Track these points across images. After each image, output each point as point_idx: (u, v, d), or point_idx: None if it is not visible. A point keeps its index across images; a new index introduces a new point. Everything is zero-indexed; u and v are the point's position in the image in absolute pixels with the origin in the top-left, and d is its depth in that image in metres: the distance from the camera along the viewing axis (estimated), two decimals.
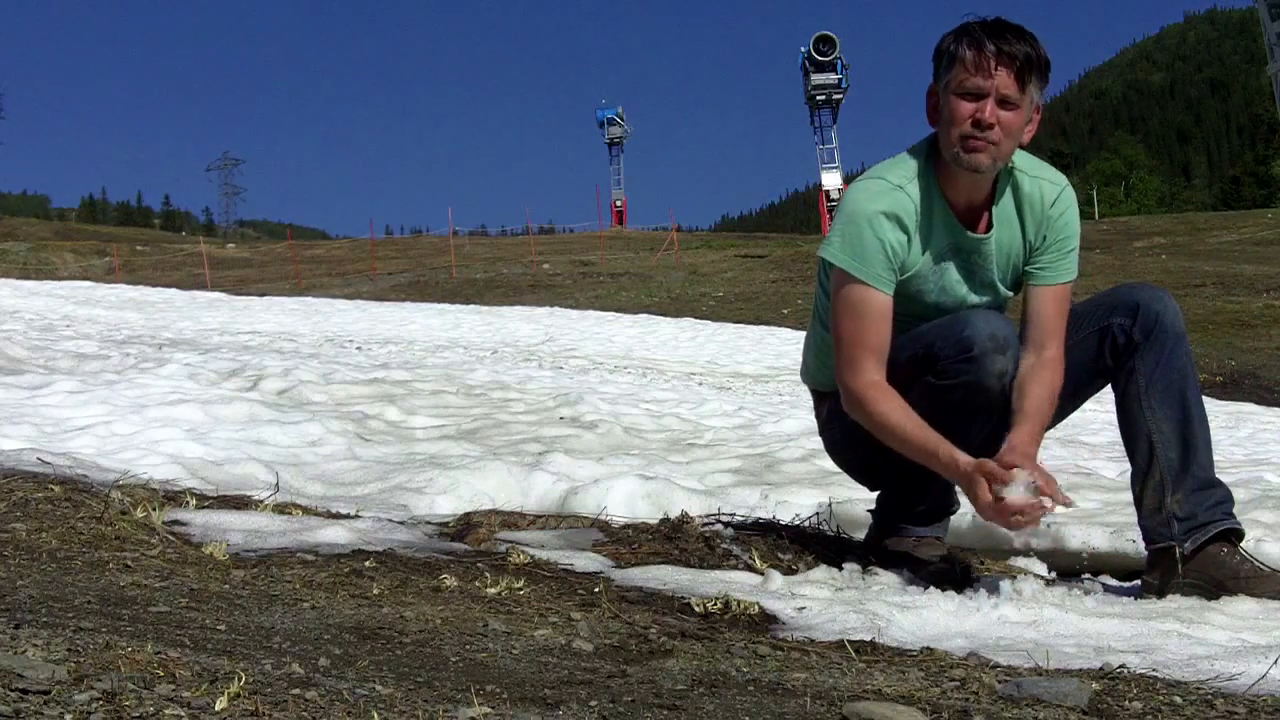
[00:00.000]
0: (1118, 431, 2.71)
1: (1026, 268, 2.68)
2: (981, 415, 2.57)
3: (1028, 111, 2.54)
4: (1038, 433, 2.53)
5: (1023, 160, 2.65)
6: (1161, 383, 2.60)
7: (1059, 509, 2.47)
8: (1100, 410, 2.71)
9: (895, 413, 2.54)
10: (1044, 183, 2.67)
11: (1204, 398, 2.71)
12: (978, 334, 2.49)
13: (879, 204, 2.57)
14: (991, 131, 2.49)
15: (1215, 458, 2.69)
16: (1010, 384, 2.54)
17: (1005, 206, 2.65)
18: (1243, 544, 2.63)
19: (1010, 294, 2.74)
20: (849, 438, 2.82)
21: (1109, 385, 2.71)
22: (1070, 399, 2.73)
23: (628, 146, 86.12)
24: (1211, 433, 2.66)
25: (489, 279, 34.15)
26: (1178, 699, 1.68)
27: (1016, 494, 2.36)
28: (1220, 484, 2.63)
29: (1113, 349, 2.64)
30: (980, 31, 2.50)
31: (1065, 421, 2.81)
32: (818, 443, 3.16)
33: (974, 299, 2.68)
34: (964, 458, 2.45)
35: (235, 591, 2.05)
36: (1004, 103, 2.49)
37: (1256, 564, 2.57)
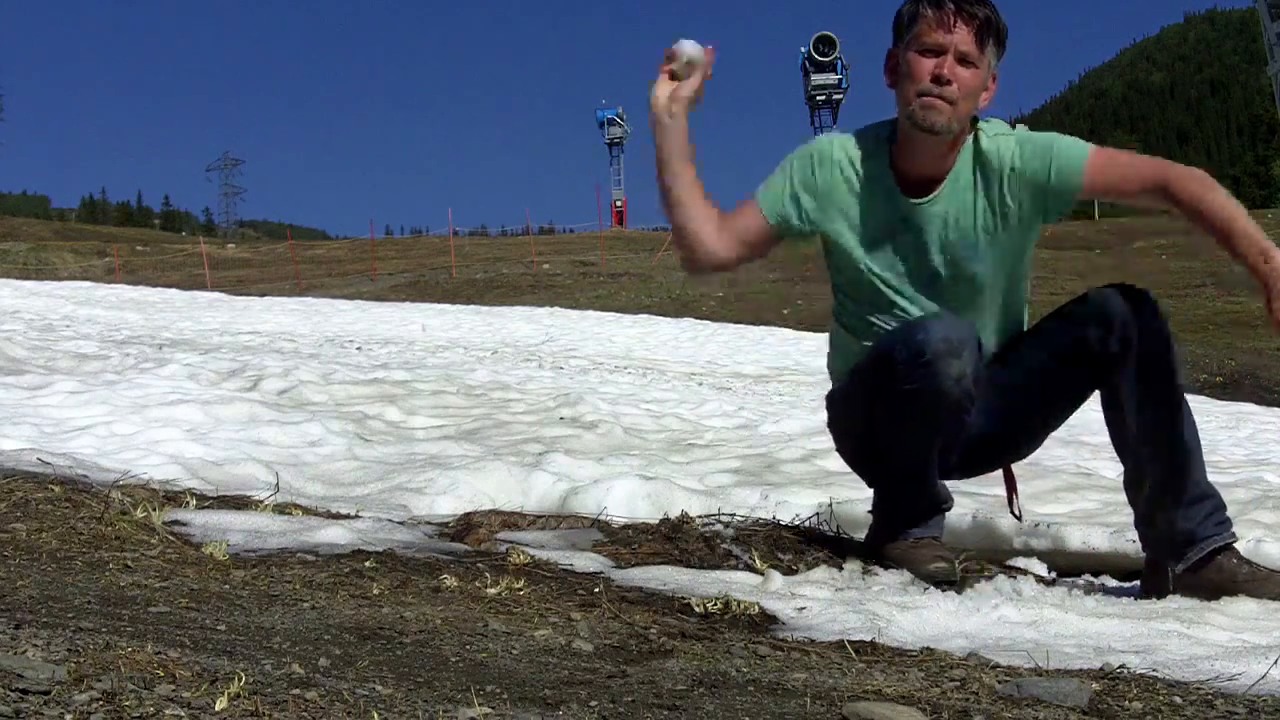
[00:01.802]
0: None
1: (1049, 192, 2.56)
2: (946, 422, 2.54)
3: (985, 75, 2.54)
4: (1245, 219, 2.42)
5: (983, 123, 2.63)
6: (1144, 395, 2.55)
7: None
8: (1101, 411, 2.69)
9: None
10: (1000, 138, 2.62)
11: (1204, 399, 2.71)
12: (930, 337, 2.47)
13: (804, 148, 2.70)
14: (949, 88, 2.50)
15: (1215, 458, 2.69)
16: (972, 385, 2.49)
17: (962, 174, 2.61)
18: (1242, 545, 2.63)
19: (971, 271, 2.61)
20: (839, 426, 2.85)
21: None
22: (1058, 413, 2.72)
23: (628, 146, 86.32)
24: (1213, 434, 2.66)
25: (489, 279, 34.16)
26: (1178, 699, 1.68)
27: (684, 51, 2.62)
28: (1213, 493, 2.59)
29: (1090, 359, 2.57)
30: None
31: (1065, 422, 2.80)
32: (818, 443, 3.17)
33: (926, 270, 2.63)
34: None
35: (235, 592, 2.05)
36: (963, 60, 2.50)
37: (1255, 566, 2.57)
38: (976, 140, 2.61)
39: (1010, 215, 2.61)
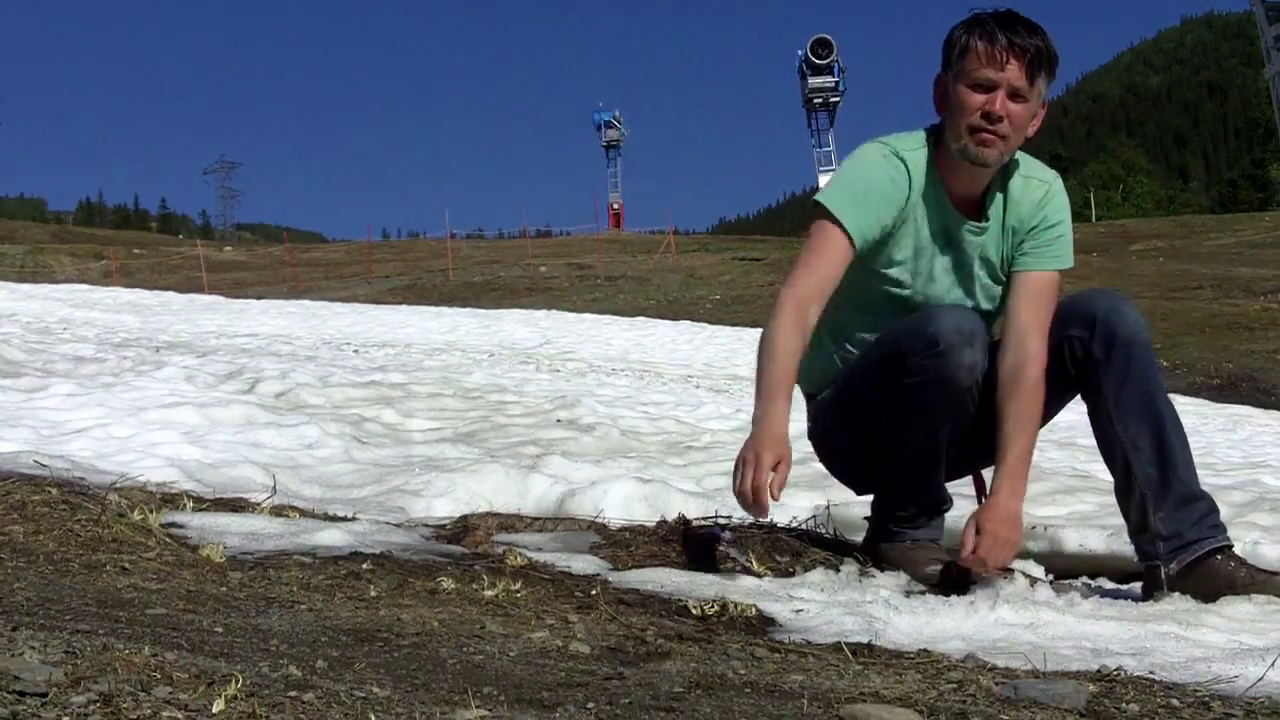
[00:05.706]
0: None
1: (1014, 254, 2.65)
2: (956, 414, 2.55)
3: (1035, 106, 2.55)
4: (1029, 447, 2.54)
5: (1019, 156, 2.65)
6: (1129, 398, 2.55)
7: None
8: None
9: (780, 333, 2.51)
10: (1033, 180, 2.66)
11: (1201, 401, 2.72)
12: (943, 327, 2.48)
13: (879, 164, 2.59)
14: (1001, 124, 2.50)
15: (1211, 460, 2.70)
16: (981, 376, 2.51)
17: (995, 204, 2.65)
18: (1240, 547, 2.62)
19: (996, 288, 2.69)
20: (831, 440, 2.86)
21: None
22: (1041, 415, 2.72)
23: (625, 149, 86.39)
24: (1210, 436, 2.67)
25: (486, 282, 34.17)
26: (1175, 701, 1.68)
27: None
28: (1204, 496, 2.59)
29: (1073, 362, 2.59)
30: (993, 23, 2.52)
31: (1063, 424, 2.80)
32: None
33: (957, 293, 2.66)
34: (771, 429, 2.54)
35: (232, 594, 2.05)
36: (1014, 95, 2.51)
37: (1252, 569, 2.56)
38: (1008, 174, 2.64)
39: (1010, 245, 2.67)
